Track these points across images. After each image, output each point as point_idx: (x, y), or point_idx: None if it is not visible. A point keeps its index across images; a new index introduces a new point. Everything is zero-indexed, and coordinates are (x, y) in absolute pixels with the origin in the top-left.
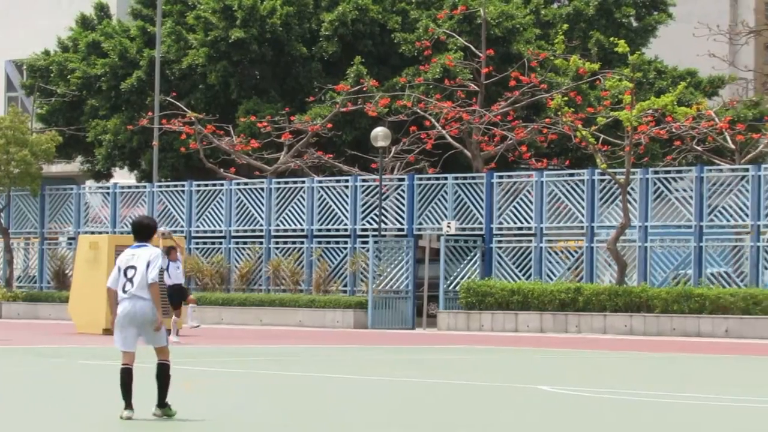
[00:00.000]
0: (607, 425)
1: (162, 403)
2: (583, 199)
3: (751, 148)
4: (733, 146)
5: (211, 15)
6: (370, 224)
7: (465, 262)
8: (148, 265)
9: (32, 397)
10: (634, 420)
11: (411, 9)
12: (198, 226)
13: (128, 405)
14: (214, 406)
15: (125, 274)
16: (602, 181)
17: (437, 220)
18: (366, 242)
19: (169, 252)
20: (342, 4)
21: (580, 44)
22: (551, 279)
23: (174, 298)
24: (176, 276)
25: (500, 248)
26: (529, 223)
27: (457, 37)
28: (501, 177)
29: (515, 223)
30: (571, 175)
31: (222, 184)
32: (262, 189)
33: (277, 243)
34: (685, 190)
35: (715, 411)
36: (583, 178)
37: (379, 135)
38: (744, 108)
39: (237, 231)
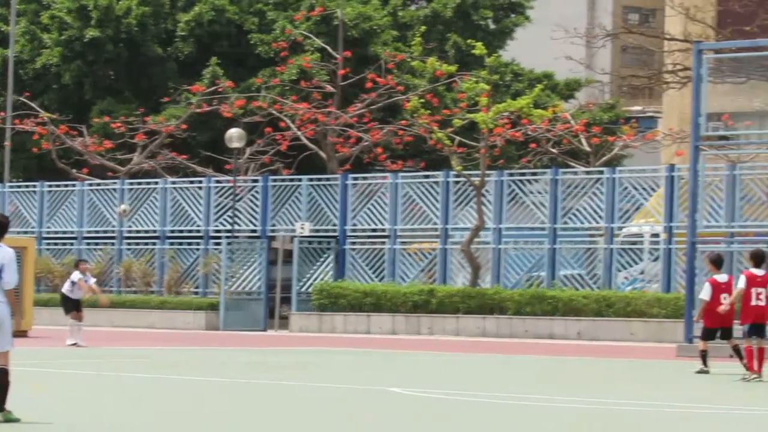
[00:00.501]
0: (456, 427)
1: (0, 408)
2: (437, 201)
3: (606, 150)
4: (588, 149)
5: (66, 14)
6: (224, 225)
7: (318, 263)
8: (2, 269)
9: None
10: (483, 421)
11: (268, 10)
12: (49, 227)
13: None
14: (59, 409)
15: None
16: (457, 183)
17: (291, 222)
18: (219, 243)
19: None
20: (198, 5)
21: (437, 46)
22: (405, 281)
23: (70, 308)
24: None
25: (354, 250)
26: (383, 224)
27: (314, 38)
28: (356, 179)
29: (369, 224)
30: (426, 176)
31: (74, 185)
32: (115, 190)
33: (129, 244)
34: (539, 193)
35: (561, 412)
36: (438, 180)
37: (234, 136)
38: (600, 111)
39: (89, 232)
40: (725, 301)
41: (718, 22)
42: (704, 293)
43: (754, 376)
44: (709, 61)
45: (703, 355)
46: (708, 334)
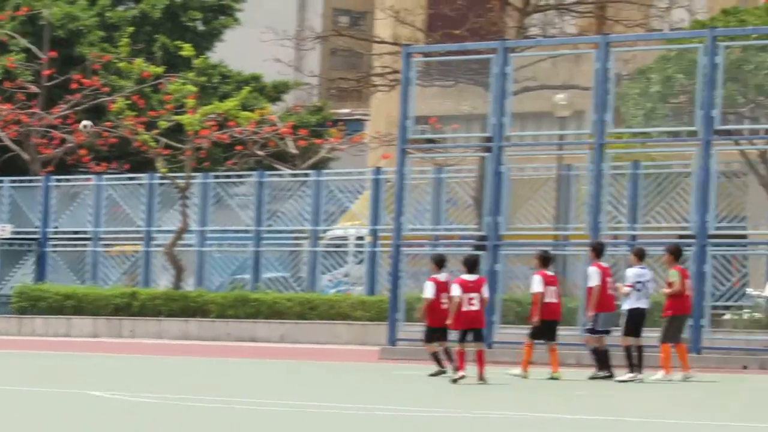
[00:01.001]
0: (153, 430)
1: None
2: (142, 204)
3: (313, 153)
4: (295, 151)
5: None
6: None
7: (19, 265)
8: None
9: None
10: (184, 425)
11: None
12: None
13: None
14: None
15: None
16: (162, 185)
17: None
18: None
19: None
20: None
21: (145, 47)
22: (107, 283)
23: None
24: None
25: (56, 252)
26: (86, 227)
27: (20, 38)
28: (59, 180)
29: (72, 227)
30: (131, 178)
31: None
32: None
33: None
34: (245, 195)
35: (263, 415)
36: (143, 182)
37: None
38: (307, 113)
39: None
40: (445, 301)
41: (429, 26)
42: (427, 292)
43: (461, 374)
44: (417, 65)
45: (435, 357)
46: (431, 335)
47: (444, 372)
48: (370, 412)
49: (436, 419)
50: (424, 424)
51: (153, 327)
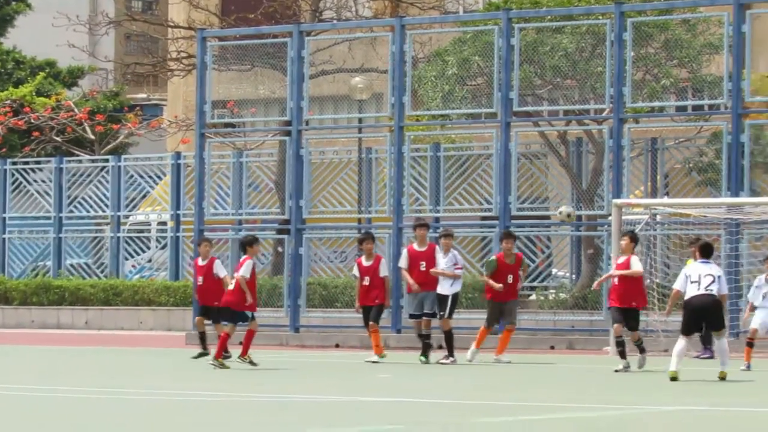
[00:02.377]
0: None
1: None
2: None
3: (112, 138)
4: (93, 137)
5: None
6: None
7: None
8: None
9: None
10: None
11: None
12: None
13: None
14: None
15: None
16: None
17: None
18: None
19: None
20: None
21: None
22: None
23: None
24: None
25: None
26: None
27: None
28: None
29: None
30: None
31: None
32: None
33: None
34: (44, 181)
35: (65, 402)
36: None
37: None
38: (104, 98)
39: None
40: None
41: (222, 10)
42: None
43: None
44: (213, 49)
45: (202, 337)
46: (203, 313)
47: (207, 354)
48: (177, 397)
49: (243, 402)
50: (228, 408)
51: None
